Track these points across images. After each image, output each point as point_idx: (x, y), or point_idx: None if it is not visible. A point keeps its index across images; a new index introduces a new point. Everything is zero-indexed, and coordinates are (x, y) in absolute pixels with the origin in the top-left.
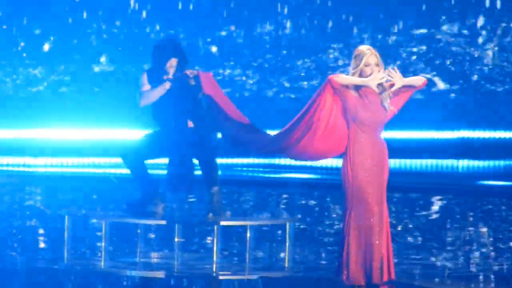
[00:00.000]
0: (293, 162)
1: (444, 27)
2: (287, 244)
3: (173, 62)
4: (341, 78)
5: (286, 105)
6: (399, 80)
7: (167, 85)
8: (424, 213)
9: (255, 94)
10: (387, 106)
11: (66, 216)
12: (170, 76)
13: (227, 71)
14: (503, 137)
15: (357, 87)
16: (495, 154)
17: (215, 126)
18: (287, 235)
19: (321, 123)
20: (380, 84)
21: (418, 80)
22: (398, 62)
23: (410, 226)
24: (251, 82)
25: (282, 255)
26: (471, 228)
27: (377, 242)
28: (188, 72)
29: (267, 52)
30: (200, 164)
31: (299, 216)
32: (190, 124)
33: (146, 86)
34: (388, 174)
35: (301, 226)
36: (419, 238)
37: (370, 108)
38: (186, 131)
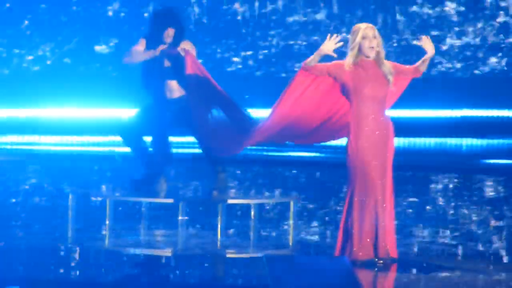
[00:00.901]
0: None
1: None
2: (291, 222)
3: (170, 32)
4: (307, 62)
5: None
6: (432, 49)
7: (156, 52)
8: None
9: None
10: (390, 79)
11: (70, 195)
12: (165, 47)
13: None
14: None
15: (354, 62)
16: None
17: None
18: (290, 214)
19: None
20: (377, 56)
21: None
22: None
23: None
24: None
25: (287, 234)
26: (474, 207)
27: (380, 216)
28: (179, 49)
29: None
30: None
31: (299, 194)
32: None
33: (138, 47)
34: (393, 150)
35: (309, 206)
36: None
37: (371, 80)
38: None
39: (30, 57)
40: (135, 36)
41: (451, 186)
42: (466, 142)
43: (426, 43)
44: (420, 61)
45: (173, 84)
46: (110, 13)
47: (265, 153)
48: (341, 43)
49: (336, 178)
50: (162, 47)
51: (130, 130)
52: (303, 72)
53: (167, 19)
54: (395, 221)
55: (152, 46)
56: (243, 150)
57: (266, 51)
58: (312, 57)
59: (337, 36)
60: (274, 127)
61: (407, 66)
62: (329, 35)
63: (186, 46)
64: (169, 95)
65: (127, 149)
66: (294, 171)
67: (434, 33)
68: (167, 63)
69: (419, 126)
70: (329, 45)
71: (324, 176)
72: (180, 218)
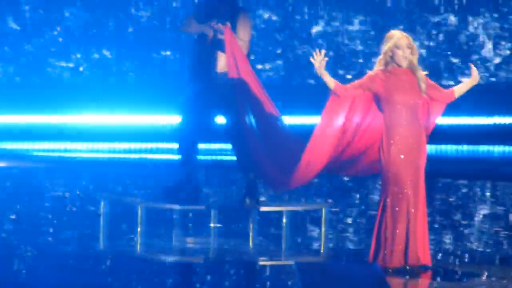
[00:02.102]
0: None
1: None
2: (323, 229)
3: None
4: (335, 91)
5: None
6: (477, 76)
7: (209, 29)
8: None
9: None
10: (423, 87)
11: (102, 201)
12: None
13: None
14: None
15: (386, 69)
16: None
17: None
18: (322, 220)
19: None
20: (410, 64)
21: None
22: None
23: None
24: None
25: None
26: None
27: (412, 224)
28: (220, 25)
29: None
30: (233, 148)
31: (330, 201)
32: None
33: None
34: (425, 158)
35: (335, 211)
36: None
37: (403, 88)
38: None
39: (63, 64)
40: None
41: (482, 193)
42: (498, 149)
43: (473, 71)
44: (459, 86)
45: (221, 54)
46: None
47: None
48: (326, 58)
49: (364, 184)
50: (214, 24)
51: (186, 135)
52: (335, 98)
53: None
54: (427, 229)
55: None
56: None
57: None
58: (328, 82)
59: (319, 52)
60: (321, 162)
61: (441, 88)
62: (314, 53)
63: (243, 20)
64: (218, 67)
65: (158, 156)
66: (320, 178)
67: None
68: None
69: (451, 133)
70: (317, 62)
71: (350, 182)
72: (212, 225)
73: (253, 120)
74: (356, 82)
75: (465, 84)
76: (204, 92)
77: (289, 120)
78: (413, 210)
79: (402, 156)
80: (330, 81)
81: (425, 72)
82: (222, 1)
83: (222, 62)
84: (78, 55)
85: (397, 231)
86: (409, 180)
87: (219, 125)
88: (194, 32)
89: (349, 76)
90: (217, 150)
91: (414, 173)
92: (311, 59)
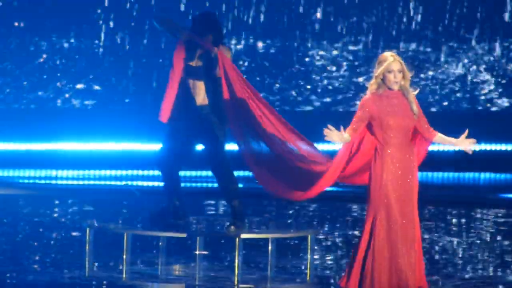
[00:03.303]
0: None
1: None
2: (309, 256)
3: (209, 38)
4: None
5: None
6: (464, 144)
7: (188, 36)
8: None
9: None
10: (415, 109)
11: (88, 228)
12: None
13: None
14: None
15: (377, 92)
16: None
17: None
18: (308, 247)
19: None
20: (402, 87)
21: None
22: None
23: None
24: None
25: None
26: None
27: (403, 252)
28: (213, 47)
29: None
30: (215, 176)
31: (319, 228)
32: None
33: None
34: (417, 185)
35: (322, 237)
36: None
37: (395, 111)
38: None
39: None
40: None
41: (466, 220)
42: (484, 175)
43: (463, 138)
44: (443, 136)
45: (200, 87)
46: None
47: None
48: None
49: (351, 210)
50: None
51: (164, 160)
52: (347, 145)
53: (206, 24)
54: (422, 256)
55: (190, 51)
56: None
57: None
58: (347, 139)
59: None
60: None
61: (426, 121)
62: (327, 130)
63: (223, 50)
64: (196, 101)
65: (144, 183)
66: (305, 205)
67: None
68: (198, 63)
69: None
70: (337, 137)
71: (340, 208)
72: (197, 252)
73: (253, 141)
74: (356, 118)
75: (449, 140)
76: (184, 125)
77: None
78: (403, 238)
79: (393, 182)
80: (348, 137)
81: (416, 91)
82: (210, 29)
83: (201, 96)
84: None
85: (386, 258)
86: (400, 206)
87: (200, 152)
88: (179, 35)
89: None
90: (204, 177)
91: (406, 199)
92: (329, 138)
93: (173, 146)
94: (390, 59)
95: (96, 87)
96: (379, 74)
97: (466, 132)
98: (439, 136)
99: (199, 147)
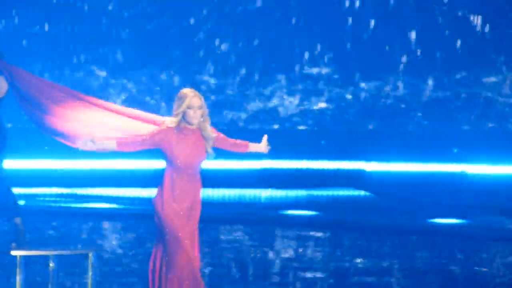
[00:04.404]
0: (99, 192)
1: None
2: (90, 274)
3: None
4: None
5: None
6: (266, 148)
7: None
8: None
9: None
10: (209, 146)
11: None
12: None
13: None
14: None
15: (176, 127)
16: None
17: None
18: (89, 266)
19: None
20: (200, 124)
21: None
22: None
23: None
24: None
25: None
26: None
27: (185, 275)
28: None
29: None
30: None
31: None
32: None
33: None
34: (200, 212)
35: (105, 256)
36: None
37: (190, 149)
38: None
39: None
40: None
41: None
42: (266, 193)
43: (263, 143)
44: (254, 144)
45: None
46: None
47: (63, 204)
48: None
49: (139, 229)
50: None
51: None
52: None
53: None
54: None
55: None
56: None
57: None
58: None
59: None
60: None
61: (232, 140)
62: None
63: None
64: None
65: None
66: (92, 224)
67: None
68: None
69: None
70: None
71: (127, 227)
72: None
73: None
74: (147, 135)
75: (258, 146)
76: None
77: None
78: (186, 262)
79: (181, 212)
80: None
81: (213, 131)
82: None
83: None
84: None
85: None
86: (187, 232)
87: None
88: None
89: None
90: None
91: (191, 226)
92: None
93: None
94: (190, 95)
95: None
96: (180, 111)
97: (265, 136)
98: (252, 146)
99: None
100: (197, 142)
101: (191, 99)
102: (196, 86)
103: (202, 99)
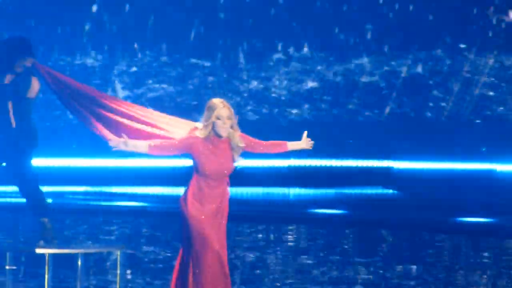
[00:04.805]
0: (127, 190)
1: None
2: (118, 272)
3: (28, 61)
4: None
5: None
6: (307, 144)
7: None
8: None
9: None
10: (236, 154)
11: None
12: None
13: None
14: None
15: (206, 137)
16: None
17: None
18: (118, 263)
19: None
20: (230, 134)
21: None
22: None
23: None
24: None
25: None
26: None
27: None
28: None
29: None
30: (21, 192)
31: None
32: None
33: None
34: (227, 217)
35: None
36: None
37: (218, 160)
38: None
39: None
40: None
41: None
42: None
43: (304, 139)
44: (293, 143)
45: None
46: None
47: (92, 202)
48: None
49: (162, 226)
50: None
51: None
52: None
53: (24, 48)
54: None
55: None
56: None
57: None
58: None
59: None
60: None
61: (264, 142)
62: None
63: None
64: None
65: None
66: (119, 222)
67: None
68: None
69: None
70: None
71: (151, 225)
72: (7, 267)
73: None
74: (179, 140)
75: (297, 144)
76: None
77: None
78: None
79: (208, 212)
80: (135, 145)
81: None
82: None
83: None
84: None
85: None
86: (215, 239)
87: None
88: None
89: None
90: (7, 193)
91: (217, 232)
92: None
93: None
94: (219, 106)
95: None
96: (210, 122)
97: (305, 133)
98: (291, 145)
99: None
100: (226, 152)
101: (220, 110)
102: None
103: (232, 110)
